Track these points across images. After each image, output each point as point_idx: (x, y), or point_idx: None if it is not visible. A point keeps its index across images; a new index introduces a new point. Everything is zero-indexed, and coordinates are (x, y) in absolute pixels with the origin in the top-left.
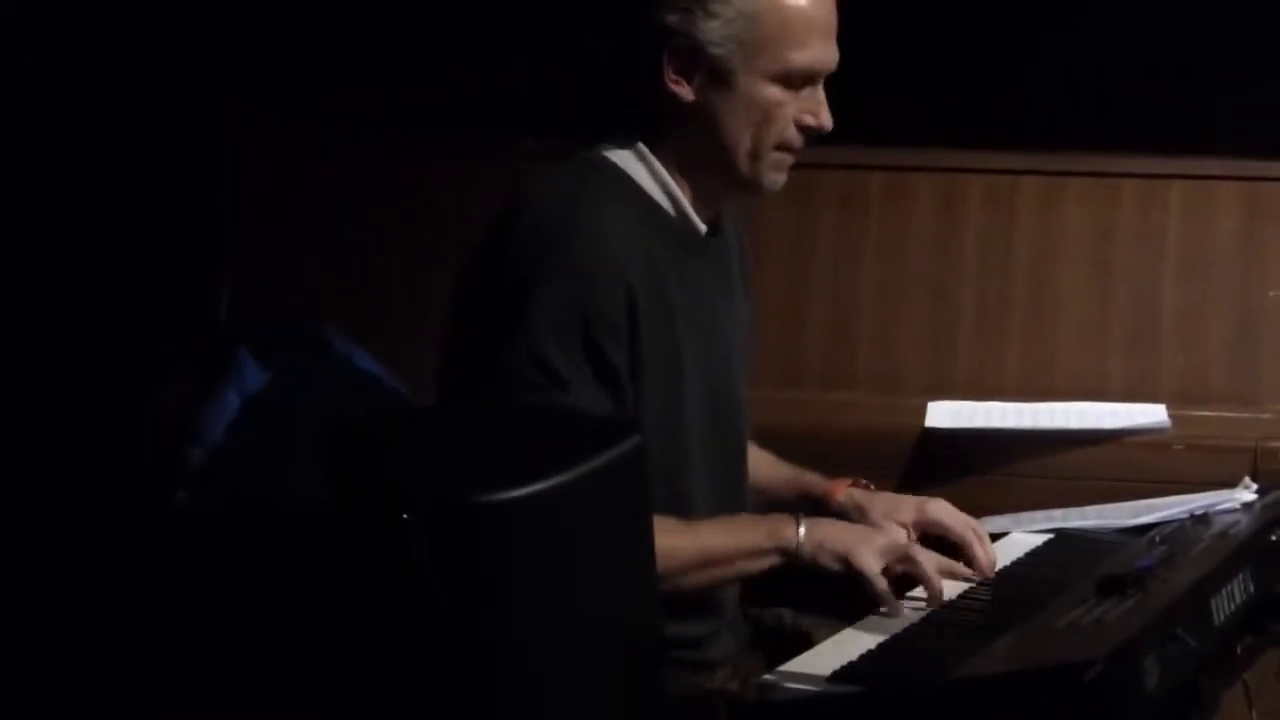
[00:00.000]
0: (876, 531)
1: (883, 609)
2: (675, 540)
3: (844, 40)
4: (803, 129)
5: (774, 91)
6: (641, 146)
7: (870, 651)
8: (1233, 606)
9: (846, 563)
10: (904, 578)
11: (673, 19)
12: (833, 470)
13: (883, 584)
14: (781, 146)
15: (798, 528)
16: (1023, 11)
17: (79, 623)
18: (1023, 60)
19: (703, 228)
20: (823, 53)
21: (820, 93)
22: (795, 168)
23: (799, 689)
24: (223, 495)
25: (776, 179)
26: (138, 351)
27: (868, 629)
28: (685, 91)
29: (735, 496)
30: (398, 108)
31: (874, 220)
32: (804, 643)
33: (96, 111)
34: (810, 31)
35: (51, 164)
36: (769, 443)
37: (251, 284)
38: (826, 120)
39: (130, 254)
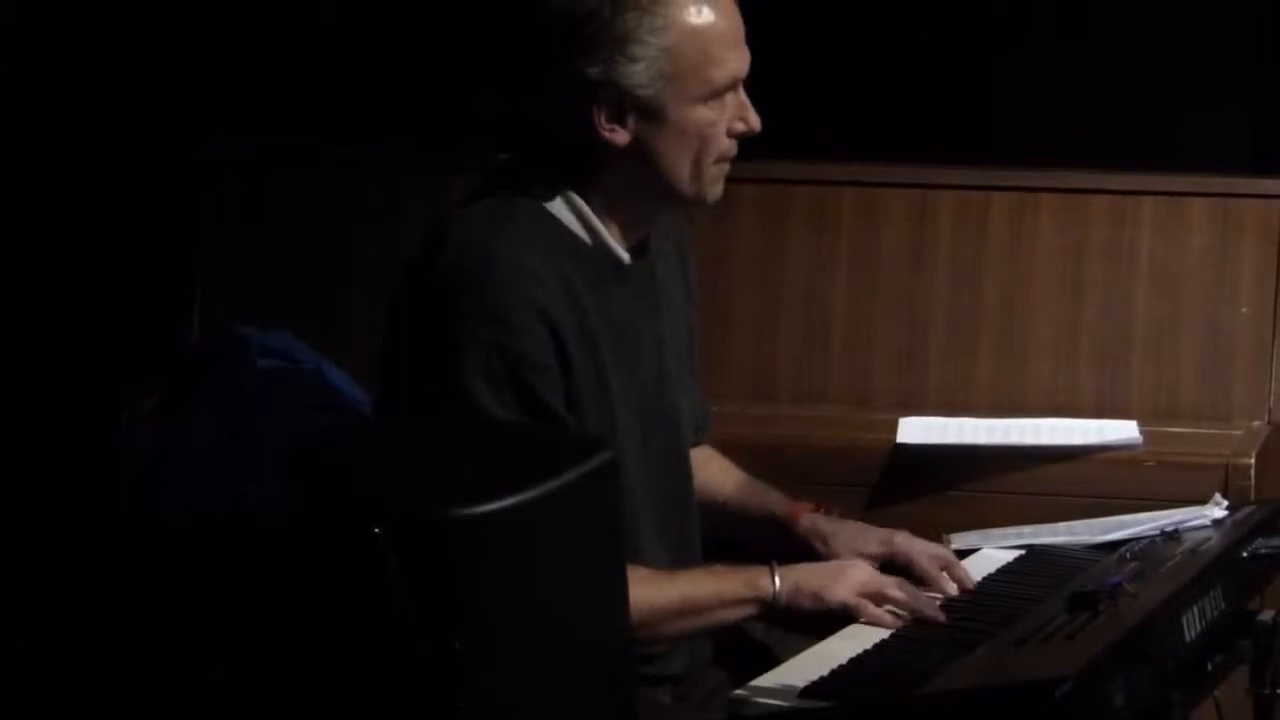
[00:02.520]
0: (850, 568)
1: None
2: (653, 590)
3: (816, 58)
4: (735, 135)
5: (704, 112)
6: (562, 184)
7: (842, 667)
8: (1203, 623)
9: (824, 601)
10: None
11: (594, 70)
12: (803, 486)
13: (869, 606)
14: (720, 159)
15: (773, 577)
16: (994, 28)
17: (48, 634)
18: (994, 77)
19: (624, 256)
20: (739, 60)
21: (743, 95)
22: (766, 183)
23: (770, 704)
24: (192, 510)
25: (717, 190)
26: (108, 367)
27: (839, 644)
28: (620, 136)
29: (679, 513)
30: (365, 125)
31: (845, 236)
32: (768, 657)
33: (65, 130)
34: (725, 45)
35: (21, 181)
36: (741, 457)
37: (220, 300)
38: (755, 121)
39: (99, 271)
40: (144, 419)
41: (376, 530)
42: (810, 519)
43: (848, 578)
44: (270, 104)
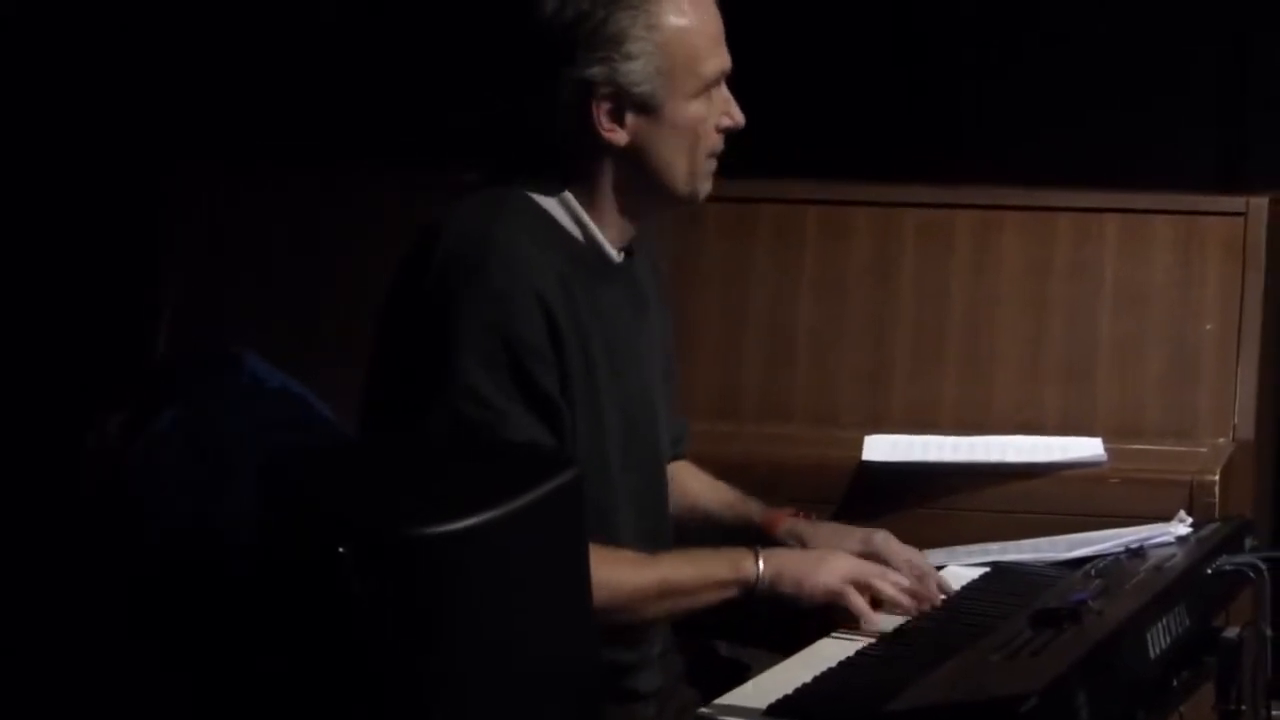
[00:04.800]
0: (834, 556)
1: (862, 624)
2: (636, 571)
3: (782, 79)
4: (722, 130)
5: (697, 107)
6: (555, 184)
7: (807, 684)
8: (1168, 640)
9: (806, 588)
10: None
11: (593, 71)
12: (769, 504)
13: (854, 595)
14: (710, 155)
15: (757, 560)
16: (958, 47)
17: (14, 651)
18: (958, 95)
19: (614, 254)
20: (724, 54)
21: (727, 91)
22: (732, 201)
23: None
24: (159, 527)
25: (708, 186)
26: (76, 384)
27: (805, 661)
28: (619, 136)
29: (657, 520)
30: (331, 145)
31: (810, 254)
32: (740, 675)
33: (32, 149)
34: (712, 39)
35: None
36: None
37: (187, 318)
38: (739, 116)
39: (68, 288)
40: (111, 437)
41: (341, 549)
42: (789, 524)
43: (830, 565)
44: (237, 122)
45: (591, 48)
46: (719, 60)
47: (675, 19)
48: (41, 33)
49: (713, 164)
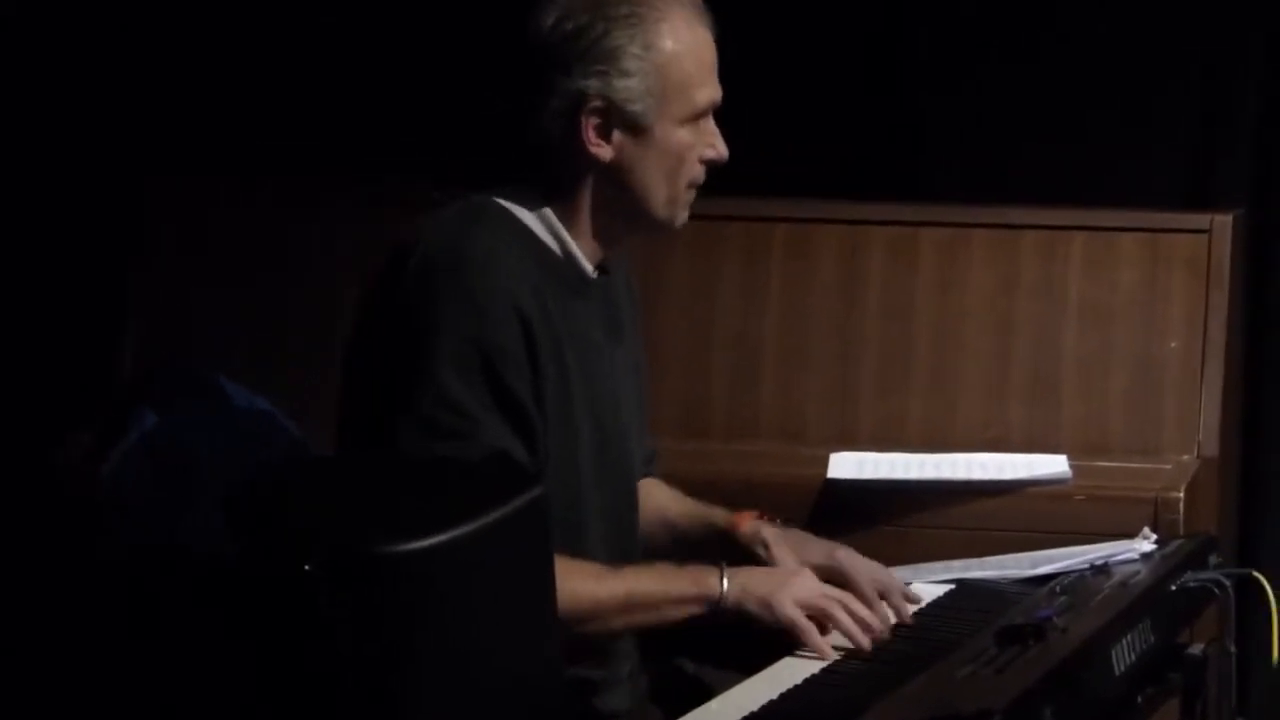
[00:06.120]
0: (797, 578)
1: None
2: (599, 584)
3: (749, 96)
4: (705, 162)
5: (684, 134)
6: (534, 198)
7: (772, 702)
8: (1133, 656)
9: (771, 609)
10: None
11: (587, 84)
12: None
13: (812, 633)
14: (691, 184)
15: (721, 577)
16: (924, 65)
17: None
18: (924, 113)
19: (590, 270)
20: (717, 86)
21: (713, 124)
22: (699, 219)
23: None
24: (125, 544)
25: (685, 215)
26: (42, 402)
27: (769, 680)
28: (604, 151)
29: (626, 536)
30: (300, 159)
31: (776, 272)
32: (704, 694)
33: None
34: (707, 68)
35: None
36: None
37: (155, 335)
38: (724, 150)
39: (35, 303)
40: (79, 455)
41: (308, 567)
42: (753, 525)
43: (793, 589)
44: (206, 137)
45: (588, 60)
46: (711, 90)
47: (673, 43)
48: (5, 50)
49: (692, 194)
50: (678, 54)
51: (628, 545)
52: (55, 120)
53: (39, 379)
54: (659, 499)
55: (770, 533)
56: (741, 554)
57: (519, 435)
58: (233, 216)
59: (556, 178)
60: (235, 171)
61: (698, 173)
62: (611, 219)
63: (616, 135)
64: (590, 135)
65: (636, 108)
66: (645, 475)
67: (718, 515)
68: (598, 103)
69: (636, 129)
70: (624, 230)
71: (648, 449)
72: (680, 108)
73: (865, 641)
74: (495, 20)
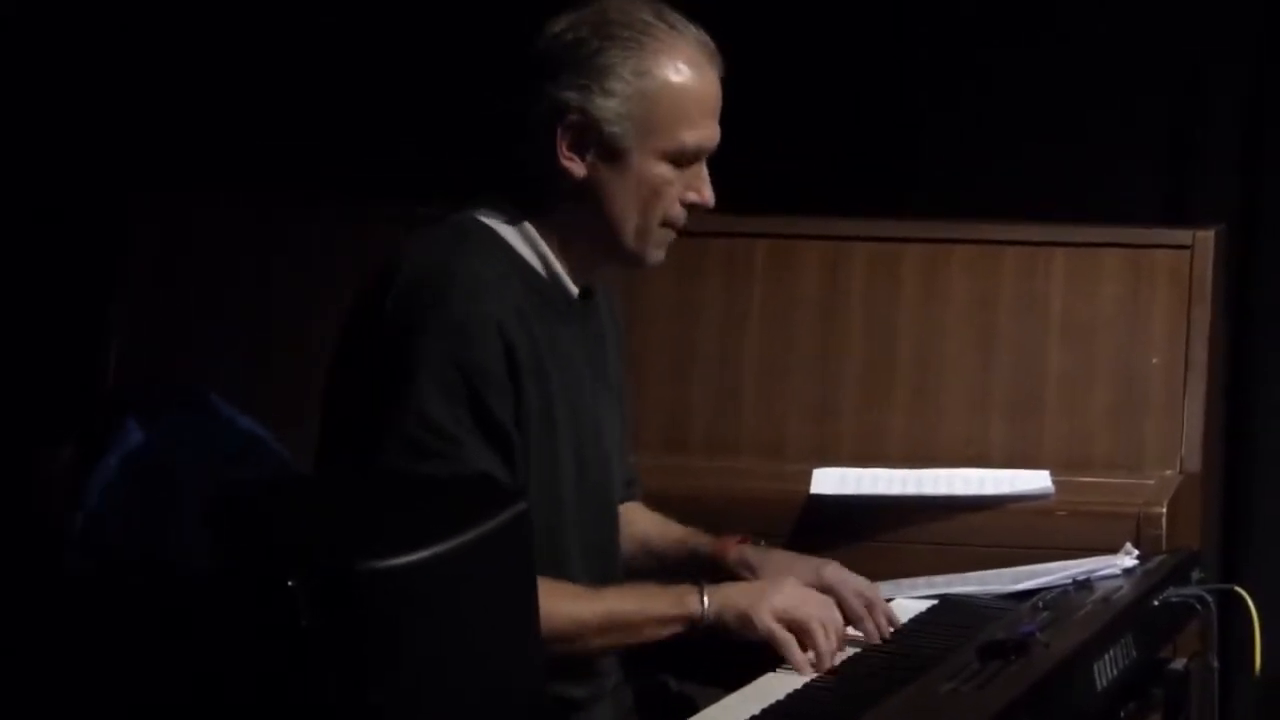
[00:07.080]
0: (777, 587)
1: (792, 666)
2: (579, 604)
3: (731, 110)
4: (687, 205)
5: (664, 170)
6: (517, 214)
7: (754, 718)
8: (1115, 672)
9: (750, 623)
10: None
11: (569, 95)
12: (718, 537)
13: (791, 645)
14: (666, 223)
15: (701, 596)
16: (906, 81)
17: None
18: (906, 129)
19: (574, 292)
20: (711, 131)
21: (704, 169)
22: (681, 235)
23: None
24: (107, 559)
25: (659, 254)
26: (24, 416)
27: (750, 696)
28: (577, 167)
29: (607, 559)
30: (284, 174)
31: (759, 288)
32: (688, 709)
33: None
34: (702, 112)
35: None
36: (655, 508)
37: (137, 349)
38: (710, 197)
39: (17, 317)
40: (60, 469)
41: (290, 582)
42: (739, 550)
43: (771, 600)
44: (190, 152)
45: (575, 73)
46: (705, 133)
47: (670, 75)
48: None
49: (668, 234)
50: (671, 87)
51: (609, 569)
52: (39, 134)
53: (21, 393)
54: (641, 524)
55: (756, 557)
56: (727, 579)
57: (501, 457)
58: (216, 231)
59: (537, 193)
60: (219, 186)
61: (676, 213)
62: (589, 243)
63: (590, 155)
64: (563, 148)
65: (614, 129)
66: (627, 499)
67: (702, 541)
68: (575, 116)
69: (612, 151)
70: (600, 256)
71: (630, 473)
72: (663, 141)
73: (828, 665)
74: (477, 32)
